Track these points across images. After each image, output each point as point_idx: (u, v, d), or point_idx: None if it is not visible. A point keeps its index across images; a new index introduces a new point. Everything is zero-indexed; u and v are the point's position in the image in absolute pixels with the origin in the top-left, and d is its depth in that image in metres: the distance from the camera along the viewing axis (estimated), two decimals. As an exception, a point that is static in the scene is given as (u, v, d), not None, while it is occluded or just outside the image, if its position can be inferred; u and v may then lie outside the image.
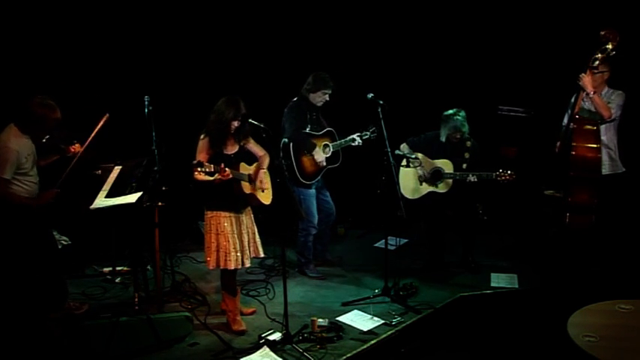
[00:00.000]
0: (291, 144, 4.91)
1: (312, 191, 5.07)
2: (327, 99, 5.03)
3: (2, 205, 3.87)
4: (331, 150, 5.09)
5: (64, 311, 4.23)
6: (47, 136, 4.05)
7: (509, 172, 4.80)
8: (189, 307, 4.49)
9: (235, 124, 4.04)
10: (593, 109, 4.51)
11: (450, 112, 5.03)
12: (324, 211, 5.20)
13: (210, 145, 4.06)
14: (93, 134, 4.15)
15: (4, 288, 4.02)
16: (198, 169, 3.75)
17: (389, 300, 4.59)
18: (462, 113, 5.00)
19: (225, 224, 4.08)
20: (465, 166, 5.06)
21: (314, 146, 5.00)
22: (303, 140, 4.95)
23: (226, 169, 3.87)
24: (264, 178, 4.28)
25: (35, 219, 3.99)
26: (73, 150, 4.20)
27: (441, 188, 5.09)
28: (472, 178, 4.88)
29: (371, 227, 6.36)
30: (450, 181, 5.04)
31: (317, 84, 4.97)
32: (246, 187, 4.14)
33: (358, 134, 5.13)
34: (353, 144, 5.14)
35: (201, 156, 3.99)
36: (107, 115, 4.22)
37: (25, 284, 4.04)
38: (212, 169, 3.78)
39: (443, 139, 5.09)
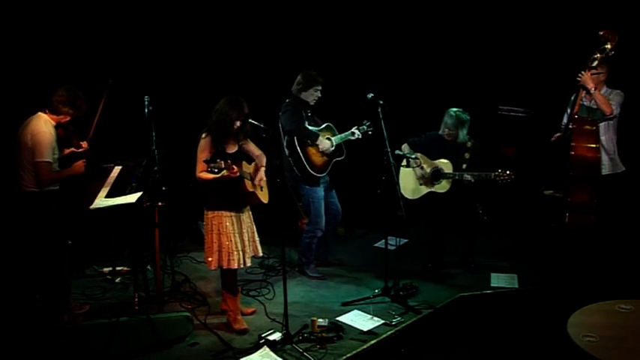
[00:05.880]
0: (295, 138, 4.90)
1: (322, 193, 5.05)
2: (320, 95, 5.04)
3: (34, 196, 4.00)
4: (334, 143, 5.09)
5: (67, 312, 4.23)
6: (71, 127, 4.21)
7: (508, 172, 4.79)
8: (189, 307, 4.49)
9: (238, 123, 4.06)
10: (594, 106, 4.51)
11: (454, 109, 5.01)
12: (331, 212, 5.18)
13: (212, 144, 4.07)
14: (100, 107, 4.24)
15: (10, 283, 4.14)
16: (211, 165, 3.76)
17: (389, 300, 4.59)
18: (465, 116, 4.95)
19: (227, 224, 4.08)
20: (464, 166, 5.05)
21: (317, 136, 4.99)
22: (304, 132, 4.94)
23: (234, 166, 3.89)
24: (262, 177, 4.30)
25: (59, 215, 4.13)
26: (83, 145, 4.30)
27: (441, 188, 5.09)
28: (469, 178, 4.87)
29: (371, 227, 6.36)
30: (450, 181, 5.04)
31: (307, 82, 4.98)
32: (249, 185, 4.15)
33: (356, 127, 5.11)
34: (352, 137, 5.10)
35: (204, 155, 4.00)
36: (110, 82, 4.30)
37: (32, 280, 4.13)
38: (223, 165, 3.79)
39: (440, 132, 5.09)
